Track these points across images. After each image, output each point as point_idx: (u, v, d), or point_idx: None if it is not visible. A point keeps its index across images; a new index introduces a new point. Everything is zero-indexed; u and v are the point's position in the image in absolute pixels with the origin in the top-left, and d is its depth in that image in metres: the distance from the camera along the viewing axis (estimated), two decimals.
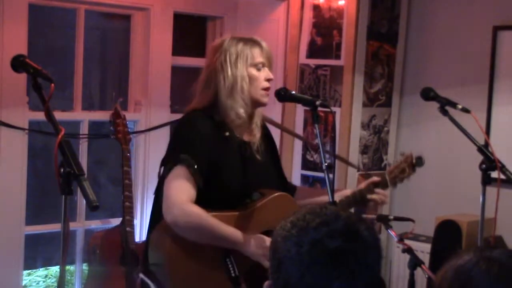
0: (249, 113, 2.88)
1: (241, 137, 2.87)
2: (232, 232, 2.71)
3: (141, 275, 2.86)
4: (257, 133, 2.92)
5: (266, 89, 2.84)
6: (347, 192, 3.02)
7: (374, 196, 2.98)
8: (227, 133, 2.80)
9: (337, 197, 2.83)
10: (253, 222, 2.80)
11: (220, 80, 2.80)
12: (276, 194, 2.87)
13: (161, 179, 2.76)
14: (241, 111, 2.80)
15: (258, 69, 2.83)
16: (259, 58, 2.83)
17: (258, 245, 2.71)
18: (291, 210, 2.81)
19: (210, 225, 2.68)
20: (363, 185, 3.02)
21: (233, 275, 2.76)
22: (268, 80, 2.84)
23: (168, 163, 2.75)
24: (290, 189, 3.08)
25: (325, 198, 2.97)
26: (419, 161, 3.08)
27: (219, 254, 2.75)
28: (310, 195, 3.11)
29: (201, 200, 2.72)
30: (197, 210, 2.67)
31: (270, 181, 2.94)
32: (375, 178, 3.03)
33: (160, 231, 2.78)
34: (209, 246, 2.72)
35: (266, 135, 3.02)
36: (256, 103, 2.86)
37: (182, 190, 2.68)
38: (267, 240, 2.71)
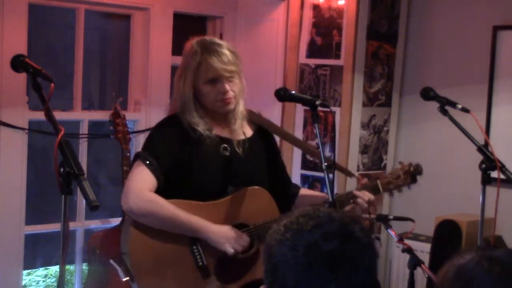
0: (218, 116, 2.83)
1: (220, 135, 2.82)
2: (192, 219, 2.69)
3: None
4: (240, 129, 2.85)
5: (223, 99, 2.76)
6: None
7: (358, 198, 2.88)
8: (194, 136, 2.76)
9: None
10: (222, 214, 2.77)
11: (176, 93, 2.81)
12: (248, 187, 2.82)
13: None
14: (198, 124, 2.75)
15: (213, 82, 2.74)
16: (211, 73, 2.73)
17: (221, 234, 2.70)
18: (264, 204, 2.83)
19: (166, 211, 2.67)
20: (356, 188, 2.97)
21: (200, 264, 2.72)
22: (224, 93, 2.75)
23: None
24: (290, 189, 3.03)
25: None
26: (417, 169, 3.00)
27: (186, 242, 2.72)
28: (312, 201, 2.96)
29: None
30: (153, 197, 2.68)
31: (254, 177, 2.86)
32: (366, 181, 2.99)
33: (128, 220, 2.80)
34: (175, 234, 2.70)
35: (261, 132, 2.96)
36: (217, 111, 2.82)
37: (140, 179, 2.70)
38: (234, 231, 2.71)
